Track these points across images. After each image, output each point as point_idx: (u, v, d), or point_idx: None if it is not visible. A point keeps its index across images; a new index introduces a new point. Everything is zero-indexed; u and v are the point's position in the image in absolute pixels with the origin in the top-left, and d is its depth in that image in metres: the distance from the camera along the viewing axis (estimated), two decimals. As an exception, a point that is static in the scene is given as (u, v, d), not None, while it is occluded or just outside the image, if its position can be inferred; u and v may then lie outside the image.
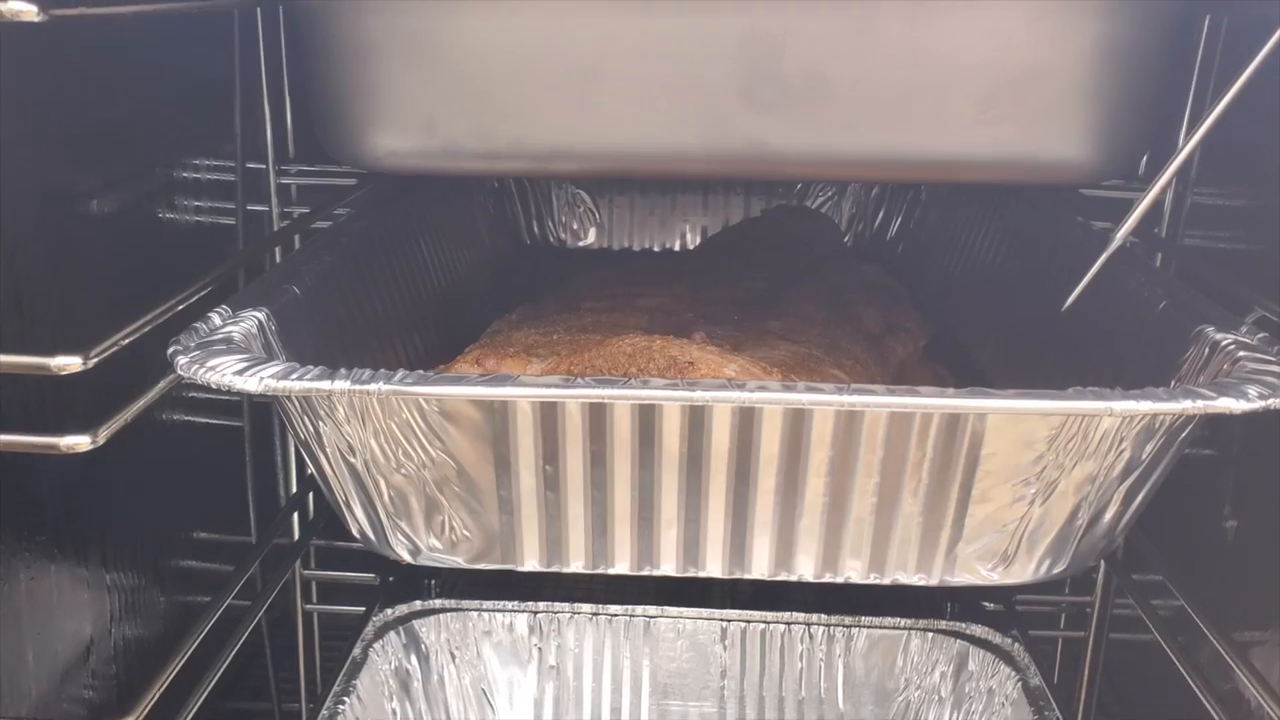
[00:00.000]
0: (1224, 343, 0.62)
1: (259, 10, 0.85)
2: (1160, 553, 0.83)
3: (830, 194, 1.37)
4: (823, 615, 1.05)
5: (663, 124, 0.67)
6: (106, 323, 0.55)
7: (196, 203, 0.90)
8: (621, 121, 0.67)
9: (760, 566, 0.64)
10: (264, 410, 1.00)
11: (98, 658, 0.76)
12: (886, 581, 0.64)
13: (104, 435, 0.50)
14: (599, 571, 0.65)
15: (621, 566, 0.65)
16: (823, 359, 0.85)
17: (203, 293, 0.64)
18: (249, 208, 0.96)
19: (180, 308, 0.60)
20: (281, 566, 0.90)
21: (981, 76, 0.65)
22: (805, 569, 0.64)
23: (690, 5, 0.64)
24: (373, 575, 1.07)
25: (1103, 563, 1.00)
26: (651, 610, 1.07)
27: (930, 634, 1.04)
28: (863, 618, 1.05)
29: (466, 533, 0.63)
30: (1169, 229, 0.88)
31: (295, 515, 0.94)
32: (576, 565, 0.64)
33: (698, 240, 1.36)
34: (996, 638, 1.02)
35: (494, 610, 1.07)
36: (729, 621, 1.06)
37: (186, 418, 0.90)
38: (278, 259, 0.95)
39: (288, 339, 0.66)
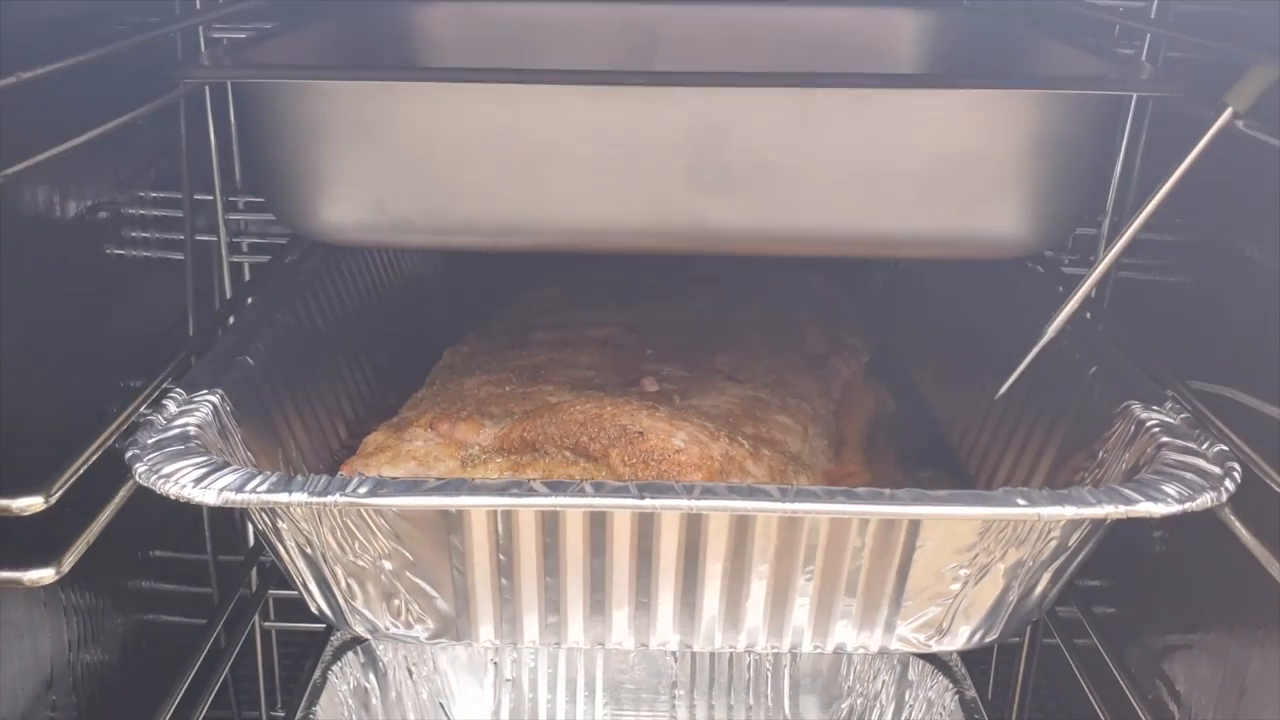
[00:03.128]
0: (1149, 423, 0.65)
1: (207, 90, 0.84)
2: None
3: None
4: (770, 626, 1.09)
5: (610, 206, 0.68)
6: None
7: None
8: (569, 203, 0.68)
9: (709, 644, 0.67)
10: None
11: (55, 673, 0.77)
12: (830, 649, 0.67)
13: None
14: (551, 644, 0.68)
15: (575, 641, 0.67)
16: (768, 401, 0.88)
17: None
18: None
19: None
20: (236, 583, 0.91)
21: (921, 163, 0.66)
22: (755, 640, 0.67)
23: (637, 93, 0.65)
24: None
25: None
26: (604, 623, 1.10)
27: (873, 644, 1.08)
28: (808, 628, 1.09)
29: (424, 615, 0.65)
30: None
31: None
32: (531, 640, 0.67)
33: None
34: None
35: (450, 626, 1.10)
36: (679, 633, 1.09)
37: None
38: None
39: (243, 415, 0.68)
